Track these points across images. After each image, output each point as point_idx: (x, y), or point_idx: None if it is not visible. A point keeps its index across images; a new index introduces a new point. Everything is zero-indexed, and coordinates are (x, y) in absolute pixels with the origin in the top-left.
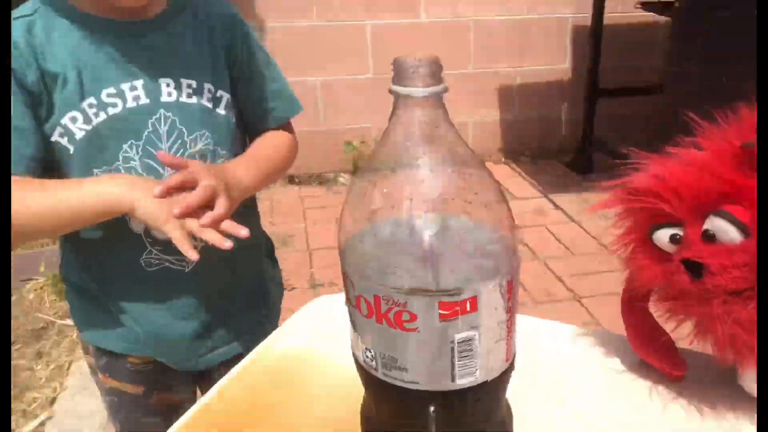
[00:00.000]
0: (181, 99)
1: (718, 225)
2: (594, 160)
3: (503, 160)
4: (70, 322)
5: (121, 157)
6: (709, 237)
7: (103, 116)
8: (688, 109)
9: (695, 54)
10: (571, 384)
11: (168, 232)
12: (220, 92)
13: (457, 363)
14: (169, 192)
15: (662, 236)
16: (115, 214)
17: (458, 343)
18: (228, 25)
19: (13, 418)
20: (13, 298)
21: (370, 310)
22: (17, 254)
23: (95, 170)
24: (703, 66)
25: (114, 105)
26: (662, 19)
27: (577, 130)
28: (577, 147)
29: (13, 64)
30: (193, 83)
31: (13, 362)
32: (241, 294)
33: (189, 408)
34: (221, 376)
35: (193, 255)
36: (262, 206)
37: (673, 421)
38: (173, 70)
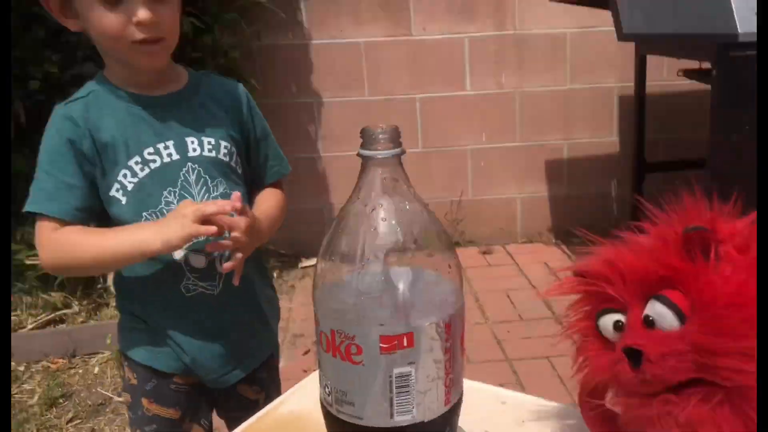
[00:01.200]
0: (203, 153)
1: (656, 310)
2: None
3: (554, 240)
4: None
5: (163, 201)
6: (648, 323)
7: (146, 170)
8: (731, 181)
9: (736, 124)
10: None
11: (195, 231)
12: (232, 148)
13: (395, 399)
14: (205, 218)
15: (607, 323)
16: (148, 257)
17: (396, 377)
18: (237, 97)
19: None
20: (79, 371)
21: (329, 344)
22: (86, 326)
23: (144, 213)
24: (747, 137)
25: (154, 161)
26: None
27: (628, 207)
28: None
29: (71, 136)
30: (212, 140)
31: None
32: (251, 317)
33: None
34: (232, 398)
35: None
36: None
37: None
38: (196, 132)
